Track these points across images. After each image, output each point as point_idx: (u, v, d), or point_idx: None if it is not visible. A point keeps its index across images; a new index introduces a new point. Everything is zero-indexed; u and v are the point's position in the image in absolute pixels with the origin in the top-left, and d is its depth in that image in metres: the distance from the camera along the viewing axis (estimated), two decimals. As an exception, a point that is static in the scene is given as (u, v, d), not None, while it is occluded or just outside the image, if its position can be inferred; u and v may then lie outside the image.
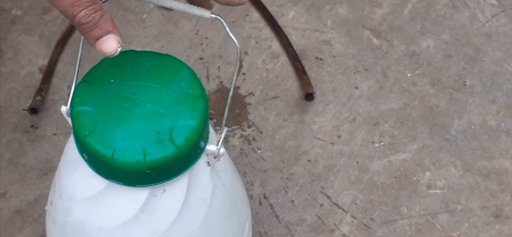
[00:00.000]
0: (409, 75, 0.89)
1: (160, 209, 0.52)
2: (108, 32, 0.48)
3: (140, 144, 0.48)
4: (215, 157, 0.52)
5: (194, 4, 0.51)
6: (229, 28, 0.49)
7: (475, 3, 0.95)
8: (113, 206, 0.52)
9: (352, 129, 0.85)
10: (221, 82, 0.88)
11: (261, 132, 0.84)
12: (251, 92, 0.87)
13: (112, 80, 0.51)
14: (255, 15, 0.93)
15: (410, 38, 0.92)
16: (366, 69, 0.89)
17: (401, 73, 0.89)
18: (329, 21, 0.93)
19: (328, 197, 0.80)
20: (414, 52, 0.91)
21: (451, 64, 0.90)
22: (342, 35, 0.92)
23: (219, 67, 0.89)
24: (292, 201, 0.79)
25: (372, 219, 0.78)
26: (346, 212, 0.79)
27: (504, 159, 0.83)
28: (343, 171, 0.81)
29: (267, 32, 0.92)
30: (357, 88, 0.88)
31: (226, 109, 0.52)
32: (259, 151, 0.83)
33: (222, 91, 0.87)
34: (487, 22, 0.93)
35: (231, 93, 0.51)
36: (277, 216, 0.78)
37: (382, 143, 0.84)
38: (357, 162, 0.82)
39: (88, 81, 0.51)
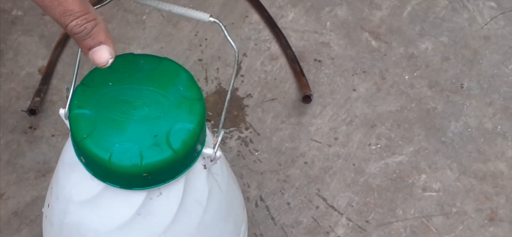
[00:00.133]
0: (407, 77, 0.89)
1: (157, 212, 0.53)
2: (100, 43, 0.48)
3: (137, 148, 0.49)
4: (211, 161, 0.53)
5: None
6: (227, 32, 0.50)
7: (474, 6, 0.95)
8: (110, 209, 0.53)
9: (349, 131, 0.85)
10: (219, 84, 0.88)
11: (258, 134, 0.84)
12: (249, 94, 0.88)
13: (110, 84, 0.51)
14: (255, 16, 0.93)
15: (408, 40, 0.92)
16: (364, 71, 0.89)
17: (399, 75, 0.89)
18: (328, 23, 0.93)
19: (324, 199, 0.80)
20: (412, 54, 0.91)
21: (449, 66, 0.90)
22: (341, 37, 0.92)
23: (218, 68, 0.89)
24: (288, 203, 0.80)
25: (367, 221, 0.79)
26: (341, 214, 0.79)
27: (500, 162, 0.83)
28: (339, 173, 0.82)
29: (266, 33, 0.92)
30: (355, 90, 0.88)
31: (223, 113, 0.52)
32: (256, 153, 0.83)
33: (221, 92, 0.87)
34: (485, 24, 0.94)
35: (228, 97, 0.51)
36: (273, 218, 0.79)
37: (378, 146, 0.84)
38: (354, 164, 0.82)
39: (86, 84, 0.51)
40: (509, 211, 0.80)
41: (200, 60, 0.90)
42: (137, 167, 0.49)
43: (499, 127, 0.86)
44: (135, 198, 0.52)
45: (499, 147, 0.84)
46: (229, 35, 0.48)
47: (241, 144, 0.84)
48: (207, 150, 0.53)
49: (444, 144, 0.84)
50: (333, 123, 0.86)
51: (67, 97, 0.51)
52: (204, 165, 0.54)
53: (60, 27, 0.79)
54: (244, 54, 0.90)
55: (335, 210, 0.79)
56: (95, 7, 0.51)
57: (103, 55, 0.48)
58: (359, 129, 0.85)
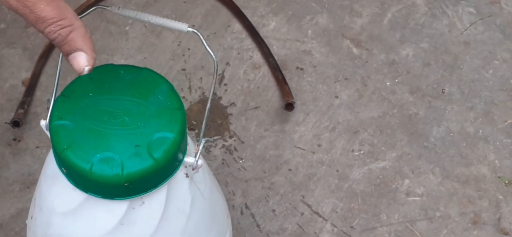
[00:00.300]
0: (388, 83, 0.90)
1: (139, 221, 0.53)
2: (76, 50, 0.48)
3: (118, 157, 0.49)
4: (193, 169, 0.53)
5: None
6: (210, 41, 0.50)
7: (454, 12, 0.96)
8: (92, 219, 0.53)
9: (332, 138, 0.85)
10: (203, 93, 0.89)
11: (242, 142, 0.85)
12: (233, 102, 0.88)
13: (90, 94, 0.51)
14: (237, 25, 0.94)
15: (389, 47, 0.93)
16: (346, 78, 0.90)
17: (380, 82, 0.90)
18: (309, 31, 0.94)
19: (309, 205, 0.80)
20: (393, 61, 0.92)
21: (430, 72, 0.91)
22: (323, 45, 0.92)
23: (201, 78, 0.90)
24: (273, 210, 0.80)
25: (352, 227, 0.79)
26: (326, 220, 0.79)
27: (482, 165, 0.84)
28: (323, 179, 0.82)
29: (249, 42, 0.92)
30: (337, 97, 0.89)
31: (204, 122, 0.52)
32: (240, 161, 0.83)
33: (204, 102, 0.88)
34: (465, 30, 0.95)
35: (208, 106, 0.52)
36: (258, 226, 0.79)
37: (361, 152, 0.84)
38: (337, 171, 0.83)
39: (66, 95, 0.52)
40: (493, 214, 0.80)
41: (184, 69, 0.90)
42: (119, 177, 0.49)
43: (480, 131, 0.87)
44: (117, 207, 0.52)
45: (481, 151, 0.85)
46: (211, 44, 0.49)
47: (225, 152, 0.84)
48: (189, 159, 0.53)
49: (426, 149, 0.85)
50: (316, 130, 0.86)
51: (48, 108, 0.51)
52: (186, 174, 0.54)
53: (43, 39, 0.79)
54: (227, 63, 0.91)
55: (320, 216, 0.80)
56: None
57: (79, 62, 0.47)
58: (342, 136, 0.86)
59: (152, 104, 0.51)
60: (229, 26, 0.94)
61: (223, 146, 0.84)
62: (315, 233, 0.79)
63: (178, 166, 0.53)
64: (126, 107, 0.51)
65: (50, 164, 0.54)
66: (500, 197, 0.82)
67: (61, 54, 0.51)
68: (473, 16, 0.96)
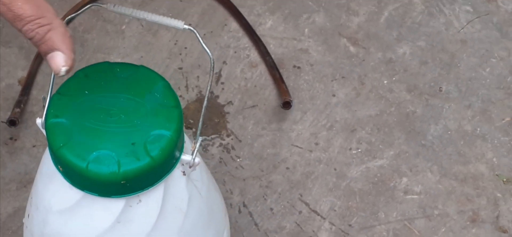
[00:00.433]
0: (385, 82, 0.90)
1: (136, 219, 0.53)
2: (54, 49, 0.46)
3: (115, 155, 0.49)
4: (190, 167, 0.53)
5: None
6: (207, 40, 0.50)
7: (451, 10, 0.96)
8: (89, 218, 0.52)
9: (330, 136, 0.85)
10: (200, 92, 0.88)
11: (240, 141, 0.84)
12: (230, 101, 0.88)
13: (86, 92, 0.51)
14: (234, 24, 0.94)
15: (386, 45, 0.92)
16: (343, 77, 0.90)
17: (377, 80, 0.90)
18: (306, 30, 0.93)
19: (307, 204, 0.80)
20: (390, 59, 0.91)
21: (427, 70, 0.91)
22: (319, 43, 0.92)
23: (198, 76, 0.89)
24: (271, 209, 0.80)
25: (350, 225, 0.79)
26: (324, 218, 0.79)
27: (480, 163, 0.84)
28: (321, 178, 0.82)
29: (246, 41, 0.92)
30: (334, 95, 0.89)
31: (200, 120, 0.52)
32: (238, 160, 0.83)
33: (201, 100, 0.87)
34: (462, 28, 0.94)
35: (205, 104, 0.52)
36: (256, 224, 0.79)
37: (359, 150, 0.84)
38: (335, 169, 0.83)
39: (62, 93, 0.51)
40: (491, 212, 0.80)
41: (180, 68, 0.90)
42: (115, 174, 0.49)
43: (478, 129, 0.86)
44: (114, 206, 0.52)
45: (479, 149, 0.85)
46: (208, 43, 0.49)
47: (223, 151, 0.84)
48: (186, 157, 0.53)
49: (424, 147, 0.85)
50: (313, 128, 0.86)
51: (44, 106, 0.51)
52: (183, 172, 0.54)
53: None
54: (224, 62, 0.91)
55: (318, 214, 0.79)
56: (71, 16, 0.51)
57: (56, 62, 0.46)
58: (339, 134, 0.85)
59: (149, 102, 0.51)
60: (225, 25, 0.94)
61: (221, 144, 0.84)
62: (313, 231, 0.78)
63: (175, 164, 0.52)
64: (123, 105, 0.51)
65: (46, 163, 0.54)
66: (498, 195, 0.82)
67: None
68: (470, 15, 0.96)
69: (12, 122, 0.82)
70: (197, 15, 0.94)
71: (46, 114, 0.51)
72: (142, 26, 0.93)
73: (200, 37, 0.50)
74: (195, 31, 0.51)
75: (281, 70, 0.89)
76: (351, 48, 0.92)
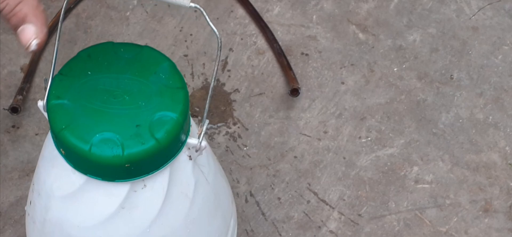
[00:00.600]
0: (395, 69, 0.88)
1: (141, 205, 0.51)
2: (24, 22, 0.44)
3: (119, 138, 0.47)
4: (196, 151, 0.51)
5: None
6: (209, 17, 0.48)
7: (462, -3, 0.95)
8: (92, 203, 0.51)
9: (339, 124, 0.84)
10: (206, 79, 0.87)
11: (246, 129, 0.83)
12: (236, 89, 0.86)
13: (89, 73, 0.50)
14: (240, 11, 0.92)
15: (396, 32, 0.91)
16: (352, 64, 0.88)
17: (387, 68, 0.88)
18: (314, 16, 0.92)
19: (315, 193, 0.79)
20: (400, 46, 0.90)
21: (438, 57, 0.89)
22: (328, 30, 0.91)
23: (204, 64, 0.88)
24: (279, 198, 0.78)
25: (359, 215, 0.78)
26: (333, 208, 0.78)
27: (493, 152, 0.82)
28: (329, 167, 0.80)
29: (252, 28, 0.91)
30: (343, 83, 0.87)
31: (208, 100, 0.50)
32: (245, 148, 0.82)
33: (207, 88, 0.86)
34: (473, 15, 0.93)
35: (212, 84, 0.50)
36: (263, 214, 0.77)
37: (369, 138, 0.83)
38: (344, 158, 0.81)
39: (64, 74, 0.50)
40: (504, 202, 0.79)
41: (186, 55, 0.89)
42: (119, 157, 0.47)
43: (490, 117, 0.85)
44: (118, 190, 0.50)
45: (491, 138, 0.83)
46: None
47: (229, 140, 0.82)
48: (192, 140, 0.51)
49: (435, 136, 0.83)
50: (322, 116, 0.84)
51: (46, 88, 0.49)
52: (190, 156, 0.52)
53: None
54: (230, 49, 0.89)
55: (327, 204, 0.78)
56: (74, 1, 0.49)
57: (27, 35, 0.44)
58: (348, 122, 0.84)
59: (154, 83, 0.49)
60: (232, 11, 0.92)
61: (227, 133, 0.83)
62: (322, 221, 0.77)
63: (181, 148, 0.51)
64: (127, 86, 0.49)
65: (48, 146, 0.52)
66: (511, 184, 0.80)
67: (58, 31, 0.49)
68: (481, 1, 0.94)
69: (14, 110, 0.81)
70: (203, 1, 0.93)
71: (47, 96, 0.49)
72: (146, 13, 0.92)
73: (206, 23, 0.48)
74: (201, 9, 0.49)
75: (288, 57, 0.88)
76: (360, 35, 0.91)
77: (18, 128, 0.82)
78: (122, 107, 0.48)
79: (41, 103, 0.50)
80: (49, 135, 0.53)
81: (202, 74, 0.87)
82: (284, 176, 0.80)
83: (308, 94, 0.86)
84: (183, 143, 0.51)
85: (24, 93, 0.83)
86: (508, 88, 0.87)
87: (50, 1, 0.91)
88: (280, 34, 0.90)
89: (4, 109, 0.83)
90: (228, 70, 0.88)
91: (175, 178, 0.51)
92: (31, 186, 0.58)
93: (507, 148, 0.83)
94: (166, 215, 0.52)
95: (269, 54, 0.89)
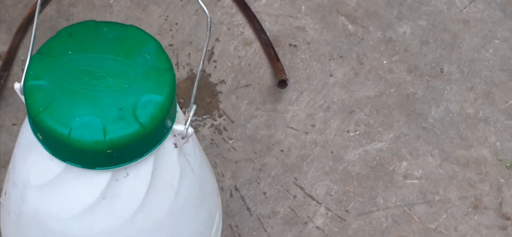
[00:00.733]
0: (385, 62, 0.87)
1: (123, 195, 0.48)
2: None
3: (100, 121, 0.45)
4: (183, 138, 0.49)
5: None
6: (199, 16, 0.46)
7: (452, -10, 0.93)
8: (71, 192, 0.48)
9: (327, 117, 0.82)
10: (191, 70, 0.85)
11: (232, 122, 0.81)
12: (223, 80, 0.84)
13: (70, 52, 0.47)
14: (227, 0, 0.90)
15: (386, 24, 0.90)
16: (341, 56, 0.87)
17: (377, 60, 0.87)
18: (303, 7, 0.90)
19: (302, 188, 0.77)
20: (390, 39, 0.89)
21: (428, 50, 0.88)
22: (317, 21, 0.89)
23: (189, 54, 0.86)
24: (264, 193, 0.77)
25: (347, 210, 0.76)
26: (320, 203, 0.76)
27: (483, 147, 0.81)
28: (317, 161, 0.79)
29: (239, 18, 0.89)
30: (331, 75, 0.86)
31: (195, 84, 0.48)
32: (230, 141, 0.80)
33: (193, 79, 0.84)
34: (464, 8, 0.92)
35: (200, 67, 0.48)
36: (248, 209, 0.76)
37: (357, 132, 0.81)
38: (332, 152, 0.80)
39: (43, 54, 0.47)
40: (494, 198, 0.78)
41: (171, 45, 0.86)
42: (100, 143, 0.44)
43: (481, 112, 0.84)
44: (99, 179, 0.47)
45: (481, 133, 0.82)
46: (200, 19, 0.45)
47: (214, 132, 0.80)
48: (178, 127, 0.49)
49: (425, 130, 0.82)
50: (310, 109, 0.83)
51: (23, 70, 0.47)
52: (175, 144, 0.49)
53: (21, 11, 0.74)
54: (217, 39, 0.87)
55: (313, 199, 0.77)
56: None
57: None
58: (336, 116, 0.82)
59: (138, 64, 0.47)
60: (218, 0, 0.90)
61: (212, 125, 0.81)
62: (308, 217, 0.75)
63: (167, 134, 0.48)
64: (110, 66, 0.47)
65: (25, 132, 0.49)
66: (502, 180, 0.79)
67: (37, 8, 0.47)
68: (472, -5, 0.93)
69: (-10, 98, 0.78)
70: (188, -10, 0.90)
71: (25, 76, 0.46)
72: (130, 0, 0.89)
73: (192, 11, 0.46)
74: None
75: (276, 49, 0.86)
76: (350, 27, 0.89)
77: (-6, 117, 0.79)
78: (105, 89, 0.46)
79: (18, 86, 0.47)
80: (27, 120, 0.50)
81: (187, 64, 0.85)
82: (270, 170, 0.78)
83: (295, 86, 0.84)
84: (168, 129, 0.48)
85: (2, 81, 0.80)
86: (499, 82, 0.86)
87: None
88: (268, 25, 0.88)
89: (-21, 97, 0.80)
90: (214, 61, 0.86)
91: (160, 166, 0.49)
92: (6, 177, 0.55)
93: (497, 143, 0.82)
94: (149, 206, 0.50)
95: (257, 45, 0.87)
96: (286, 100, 0.84)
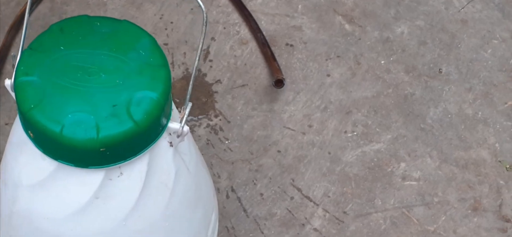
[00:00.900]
0: (382, 62, 0.86)
1: (117, 195, 0.47)
2: None
3: (93, 119, 0.43)
4: (178, 136, 0.48)
5: None
6: (194, 15, 0.45)
7: (450, -10, 0.93)
8: (64, 192, 0.47)
9: (324, 118, 0.81)
10: (186, 69, 0.84)
11: (228, 122, 0.80)
12: (218, 80, 0.83)
13: (62, 48, 0.46)
14: None
15: (383, 24, 0.89)
16: (338, 56, 0.86)
17: (374, 60, 0.86)
18: (299, 6, 0.89)
19: (299, 189, 0.76)
20: (387, 39, 0.88)
21: (426, 51, 0.87)
22: (313, 21, 0.88)
23: (184, 53, 0.85)
24: (261, 194, 0.76)
25: (345, 212, 0.75)
26: (317, 205, 0.76)
27: (482, 149, 0.80)
28: (314, 162, 0.78)
29: (235, 17, 0.88)
30: (328, 75, 0.85)
31: (191, 80, 0.47)
32: (226, 142, 0.79)
33: (188, 78, 0.83)
34: (462, 8, 0.91)
35: (196, 64, 0.46)
36: (245, 210, 0.75)
37: (355, 133, 0.81)
38: (329, 153, 0.79)
39: (34, 49, 0.46)
40: (493, 200, 0.77)
41: (166, 44, 0.85)
42: (93, 141, 0.43)
43: (479, 113, 0.83)
44: (92, 178, 0.46)
45: (480, 134, 0.81)
46: (196, 18, 0.44)
47: (210, 132, 0.79)
48: (173, 125, 0.47)
49: (423, 131, 0.81)
50: (307, 109, 0.82)
51: (14, 66, 0.45)
52: (170, 142, 0.48)
53: (14, 9, 0.72)
54: (212, 38, 0.86)
55: (311, 200, 0.76)
56: None
57: None
58: (334, 116, 0.82)
59: (132, 60, 0.46)
60: (214, -1, 0.89)
61: (208, 125, 0.80)
62: (306, 218, 0.75)
63: (162, 132, 0.47)
64: (103, 62, 0.45)
65: (17, 131, 0.48)
66: (501, 182, 0.78)
67: (28, 2, 0.46)
68: (470, -5, 0.92)
69: (-18, 97, 0.76)
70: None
71: (15, 72, 0.45)
72: (124, -1, 0.88)
73: (188, 10, 0.45)
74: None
75: (272, 48, 0.85)
76: (347, 26, 0.88)
77: (-15, 116, 0.78)
78: (98, 85, 0.45)
79: (8, 82, 0.46)
80: (18, 118, 0.49)
81: (182, 63, 0.84)
82: (267, 171, 0.77)
83: (292, 87, 0.83)
84: (163, 127, 0.47)
85: (-7, 80, 0.79)
86: (498, 83, 0.85)
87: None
88: (264, 24, 0.87)
89: (-29, 96, 0.79)
90: (210, 60, 0.85)
91: (155, 165, 0.48)
92: (-3, 176, 0.54)
93: (496, 145, 0.81)
94: (143, 207, 0.48)
95: (253, 44, 0.86)
96: (283, 100, 0.83)
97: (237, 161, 0.78)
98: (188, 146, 0.52)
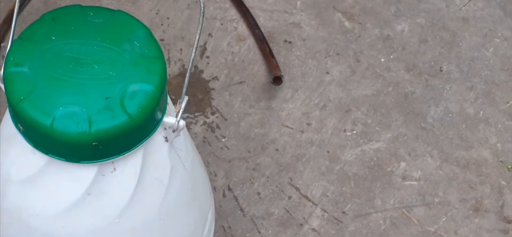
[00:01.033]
0: (382, 60, 0.85)
1: (110, 191, 0.46)
2: None
3: (85, 111, 0.42)
4: (174, 131, 0.46)
5: None
6: (191, 11, 0.43)
7: (451, -12, 0.92)
8: (55, 188, 0.46)
9: (323, 116, 0.80)
10: (183, 66, 0.83)
11: (225, 119, 0.79)
12: (215, 77, 0.82)
13: (53, 38, 0.44)
14: (220, -5, 0.88)
15: (383, 21, 0.88)
16: (337, 53, 0.85)
17: (374, 58, 0.85)
18: (298, 2, 0.88)
19: (297, 189, 0.75)
20: (388, 36, 0.87)
21: (427, 49, 0.86)
22: (312, 17, 0.87)
23: (181, 49, 0.83)
24: (258, 193, 0.75)
25: (343, 212, 0.74)
26: (316, 205, 0.75)
27: (483, 148, 0.79)
28: (313, 161, 0.77)
29: (233, 13, 0.87)
30: (328, 73, 0.84)
31: (187, 75, 0.46)
32: (223, 140, 0.78)
33: (184, 75, 0.82)
34: (464, 6, 0.90)
35: (192, 56, 0.45)
36: (242, 209, 0.74)
37: (354, 132, 0.79)
38: (328, 152, 0.78)
39: (25, 39, 0.44)
40: (495, 201, 0.76)
41: (162, 40, 0.84)
42: (85, 134, 0.42)
43: (481, 112, 0.82)
44: (84, 174, 0.45)
45: (482, 133, 0.80)
46: (193, 14, 0.42)
47: (207, 130, 0.78)
48: (169, 119, 0.46)
49: (424, 130, 0.80)
50: (305, 107, 0.81)
51: (3, 56, 0.44)
52: (166, 138, 0.47)
53: (6, 3, 0.71)
54: (210, 34, 0.85)
55: (309, 200, 0.75)
56: None
57: None
58: (333, 114, 0.80)
59: (127, 51, 0.44)
60: (211, -5, 0.88)
61: (205, 123, 0.79)
62: (304, 218, 0.73)
63: (157, 126, 0.46)
64: (96, 53, 0.44)
65: (6, 124, 0.47)
66: (503, 182, 0.77)
67: None
68: (471, -7, 0.91)
69: (-27, 92, 0.75)
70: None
71: (5, 63, 0.43)
72: (120, -6, 0.87)
73: (184, 6, 0.43)
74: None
75: (271, 45, 0.84)
76: (346, 23, 0.87)
77: (-23, 112, 0.77)
78: (90, 77, 0.43)
79: (-3, 74, 0.45)
80: (8, 113, 0.47)
81: (179, 59, 0.83)
82: (264, 170, 0.76)
83: (291, 84, 0.82)
84: (158, 121, 0.46)
85: (-15, 74, 0.77)
86: (500, 82, 0.84)
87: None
88: (262, 20, 0.86)
89: (-38, 91, 0.77)
90: (207, 57, 0.83)
91: (149, 161, 0.46)
92: (-14, 171, 0.53)
93: (498, 144, 0.80)
94: (137, 204, 0.47)
95: (250, 41, 0.85)
96: (281, 97, 0.81)
97: (234, 159, 0.77)
98: (184, 142, 0.50)
